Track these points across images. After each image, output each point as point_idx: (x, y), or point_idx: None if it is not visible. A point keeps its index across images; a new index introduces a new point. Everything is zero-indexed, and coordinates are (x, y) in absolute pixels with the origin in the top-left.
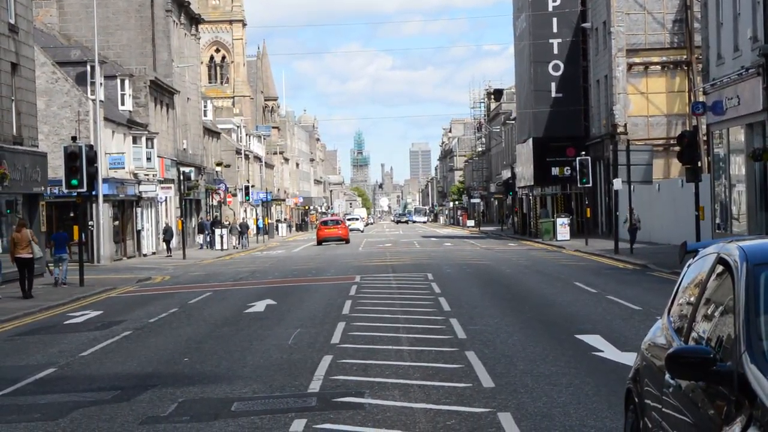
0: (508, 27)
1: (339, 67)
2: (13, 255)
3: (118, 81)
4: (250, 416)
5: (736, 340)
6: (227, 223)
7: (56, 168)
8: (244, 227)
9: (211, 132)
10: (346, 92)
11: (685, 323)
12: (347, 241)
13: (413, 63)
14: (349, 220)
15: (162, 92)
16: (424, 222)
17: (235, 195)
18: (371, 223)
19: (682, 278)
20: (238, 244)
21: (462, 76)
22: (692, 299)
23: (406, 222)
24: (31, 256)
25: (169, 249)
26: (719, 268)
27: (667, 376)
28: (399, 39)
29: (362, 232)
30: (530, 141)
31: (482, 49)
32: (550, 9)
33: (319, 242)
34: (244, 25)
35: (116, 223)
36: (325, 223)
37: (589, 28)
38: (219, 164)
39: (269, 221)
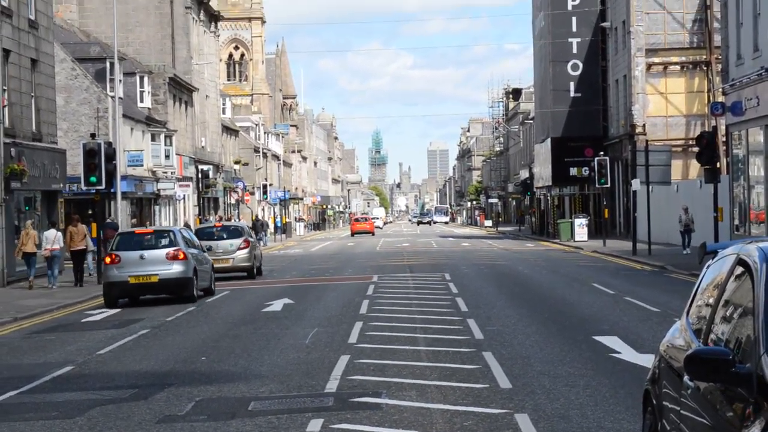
0: (530, 26)
1: (359, 65)
2: (69, 247)
3: (138, 78)
4: (267, 416)
5: (755, 341)
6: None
7: (75, 165)
8: (263, 226)
9: (229, 130)
10: (367, 91)
11: (704, 324)
12: (373, 234)
13: (434, 62)
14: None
15: (181, 89)
16: (446, 222)
17: (252, 193)
18: (389, 222)
19: (701, 279)
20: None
21: (483, 75)
22: (711, 300)
23: (428, 223)
24: (85, 247)
25: None
26: (739, 270)
27: (686, 377)
28: (421, 37)
29: (381, 228)
30: (548, 141)
31: (503, 49)
32: (569, 8)
33: (353, 234)
34: (263, 22)
35: (134, 220)
36: (357, 220)
37: (608, 28)
38: (237, 162)
39: (287, 220)
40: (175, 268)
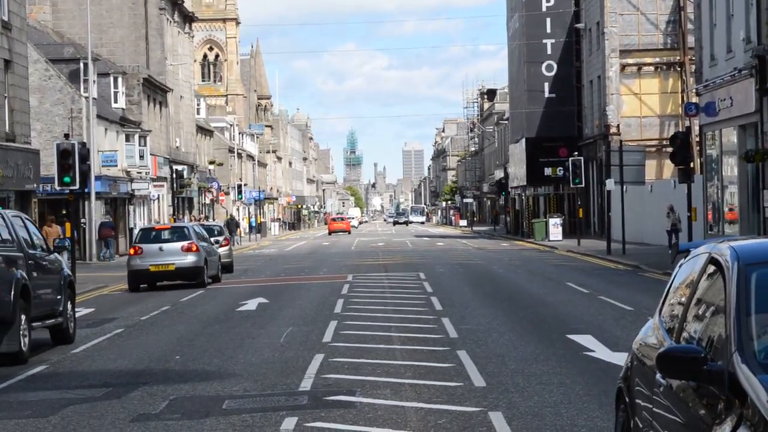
0: (504, 27)
1: (335, 66)
2: None
3: (111, 78)
4: (241, 414)
5: (727, 339)
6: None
7: (49, 165)
8: (234, 225)
9: (204, 130)
10: (342, 91)
11: (677, 323)
12: (349, 232)
13: (409, 62)
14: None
15: (155, 90)
16: (422, 222)
17: (227, 193)
18: (365, 222)
19: (674, 278)
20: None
21: (458, 76)
22: (683, 299)
23: (405, 223)
24: None
25: None
26: (711, 268)
27: (658, 375)
28: (396, 38)
29: (356, 228)
30: (523, 141)
31: (479, 50)
32: (544, 9)
33: (330, 233)
34: (238, 23)
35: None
36: (334, 219)
37: (582, 29)
38: (212, 162)
39: (261, 220)
40: (189, 259)
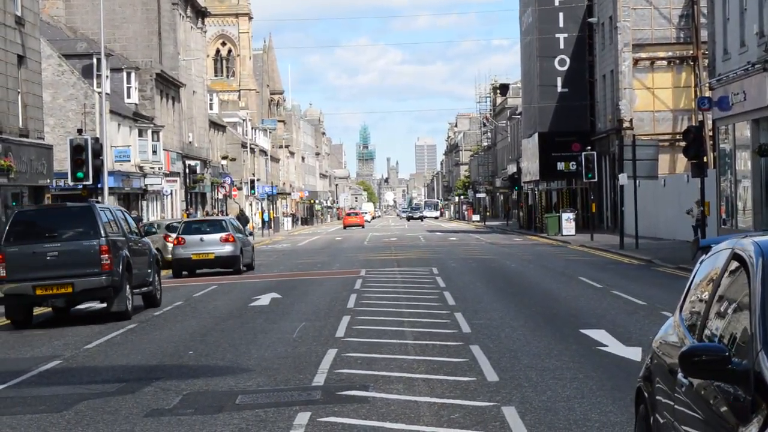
0: (517, 22)
1: (347, 61)
2: None
3: (124, 74)
4: (255, 409)
5: (752, 337)
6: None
7: (62, 160)
8: (244, 220)
9: (216, 125)
10: (354, 86)
11: (698, 321)
12: (363, 226)
13: (422, 57)
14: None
15: (168, 85)
16: (436, 218)
17: (240, 188)
18: (378, 217)
19: (695, 275)
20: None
21: (470, 71)
22: (705, 296)
23: (420, 219)
24: None
25: None
26: (734, 264)
27: (680, 374)
28: (409, 33)
29: (369, 222)
30: (536, 136)
31: (492, 44)
32: (557, 4)
33: (345, 227)
34: (251, 18)
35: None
36: (348, 214)
37: (595, 23)
38: (224, 158)
39: (274, 215)
40: (227, 248)
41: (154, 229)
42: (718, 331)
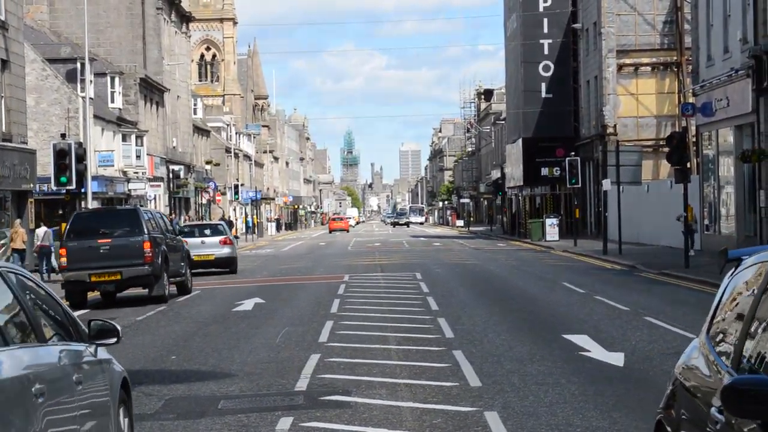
0: (502, 27)
1: (332, 66)
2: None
3: (108, 78)
4: (237, 414)
5: None
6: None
7: (45, 165)
8: (228, 225)
9: (200, 130)
10: (339, 91)
11: (732, 345)
12: (347, 231)
13: (407, 63)
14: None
15: (152, 90)
16: (421, 223)
17: (224, 193)
18: (362, 222)
19: (723, 292)
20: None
21: (455, 76)
22: (738, 316)
23: (406, 224)
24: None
25: None
26: None
27: (713, 409)
28: (394, 38)
29: (353, 227)
30: (520, 141)
31: (476, 50)
32: (541, 9)
33: (330, 231)
34: (235, 23)
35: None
36: (333, 219)
37: (579, 29)
38: (208, 162)
39: (258, 220)
40: (225, 250)
41: None
42: (759, 360)
